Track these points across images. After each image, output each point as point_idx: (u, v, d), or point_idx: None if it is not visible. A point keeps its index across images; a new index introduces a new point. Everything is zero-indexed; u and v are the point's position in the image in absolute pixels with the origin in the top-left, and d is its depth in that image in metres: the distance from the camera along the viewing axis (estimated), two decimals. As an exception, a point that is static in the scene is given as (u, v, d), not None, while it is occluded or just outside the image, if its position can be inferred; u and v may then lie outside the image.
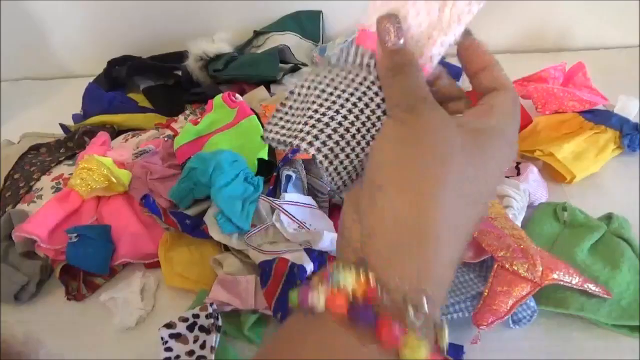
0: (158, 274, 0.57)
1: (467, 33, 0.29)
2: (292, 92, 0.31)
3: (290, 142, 0.30)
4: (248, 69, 0.76)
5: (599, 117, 0.67)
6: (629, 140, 0.64)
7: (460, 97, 0.30)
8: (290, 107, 0.32)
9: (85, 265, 0.55)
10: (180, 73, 0.82)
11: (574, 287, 0.47)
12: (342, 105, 0.29)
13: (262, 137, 0.32)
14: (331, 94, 0.30)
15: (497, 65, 0.29)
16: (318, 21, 0.90)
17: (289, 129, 0.31)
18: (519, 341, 0.48)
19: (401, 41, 0.28)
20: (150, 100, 0.80)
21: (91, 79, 0.86)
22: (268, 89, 0.76)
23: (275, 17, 0.91)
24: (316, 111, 0.30)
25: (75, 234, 0.55)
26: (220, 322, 0.47)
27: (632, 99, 0.67)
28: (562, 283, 0.47)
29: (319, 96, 0.30)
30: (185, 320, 0.47)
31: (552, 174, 0.63)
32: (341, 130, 0.29)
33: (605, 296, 0.47)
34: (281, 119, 0.32)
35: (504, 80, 0.29)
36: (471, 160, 0.25)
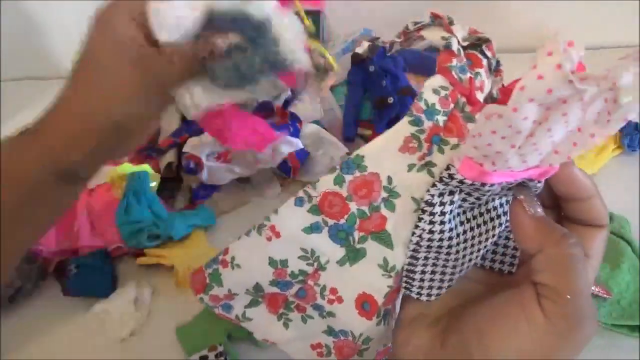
0: (153, 282, 0.56)
1: (566, 164, 0.24)
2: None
3: (428, 299, 0.29)
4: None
5: (599, 117, 0.67)
6: (629, 140, 0.64)
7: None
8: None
9: (91, 293, 0.55)
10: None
11: (574, 286, 0.47)
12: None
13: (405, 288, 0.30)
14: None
15: (598, 196, 0.26)
16: (318, 21, 0.90)
17: (431, 287, 0.30)
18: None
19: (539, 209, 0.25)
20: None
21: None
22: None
23: (275, 17, 0.91)
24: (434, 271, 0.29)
25: (74, 265, 0.55)
26: None
27: (632, 98, 0.67)
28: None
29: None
30: None
31: (552, 174, 0.63)
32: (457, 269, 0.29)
33: (605, 296, 0.47)
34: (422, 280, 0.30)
35: (604, 216, 0.26)
36: None
